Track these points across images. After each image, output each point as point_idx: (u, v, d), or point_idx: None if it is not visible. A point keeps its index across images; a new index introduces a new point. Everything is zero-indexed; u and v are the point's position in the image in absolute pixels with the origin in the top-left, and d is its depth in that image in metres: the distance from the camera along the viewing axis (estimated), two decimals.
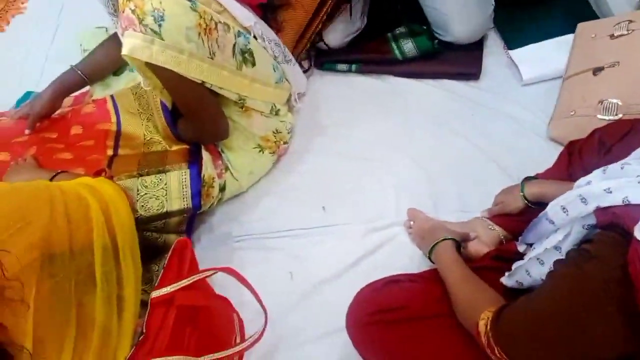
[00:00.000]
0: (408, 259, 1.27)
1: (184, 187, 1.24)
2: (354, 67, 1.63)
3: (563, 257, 0.87)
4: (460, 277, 1.04)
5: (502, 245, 1.20)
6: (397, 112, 1.56)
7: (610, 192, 0.76)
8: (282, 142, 1.46)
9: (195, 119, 1.27)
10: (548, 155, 1.28)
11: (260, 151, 1.42)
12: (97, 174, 1.09)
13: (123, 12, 1.06)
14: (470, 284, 1.01)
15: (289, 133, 1.49)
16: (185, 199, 1.24)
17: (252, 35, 1.27)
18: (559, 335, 0.75)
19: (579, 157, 1.21)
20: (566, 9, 1.62)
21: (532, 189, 1.19)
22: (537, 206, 1.16)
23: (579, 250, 0.76)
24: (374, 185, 1.42)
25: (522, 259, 1.03)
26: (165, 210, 1.21)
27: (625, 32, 1.33)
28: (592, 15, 1.60)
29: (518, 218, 1.21)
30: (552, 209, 0.89)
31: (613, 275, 0.68)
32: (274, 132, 1.43)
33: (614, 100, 1.29)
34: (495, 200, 1.28)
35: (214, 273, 0.99)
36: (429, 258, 1.17)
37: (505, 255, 1.13)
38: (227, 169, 1.39)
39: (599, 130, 1.21)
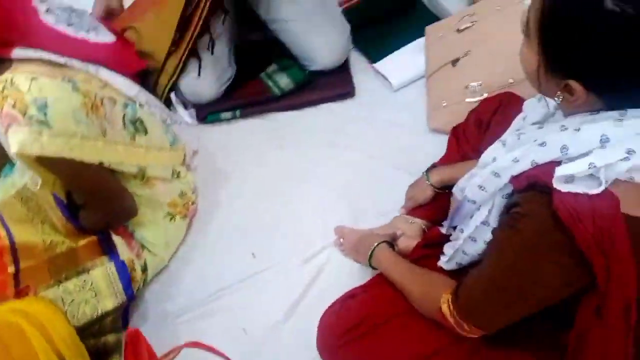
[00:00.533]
0: (349, 276, 1.30)
1: (113, 281, 1.17)
2: (237, 112, 1.65)
3: (490, 225, 0.96)
4: (406, 272, 1.10)
5: (427, 234, 1.28)
6: (291, 144, 1.61)
7: (518, 160, 0.85)
8: (190, 204, 1.44)
9: (100, 203, 1.21)
10: (438, 146, 1.41)
11: (171, 219, 1.39)
12: (20, 293, 0.99)
13: (2, 110, 0.99)
14: (418, 276, 1.08)
15: (193, 193, 1.46)
16: (118, 294, 1.17)
17: (138, 103, 1.25)
18: (517, 292, 0.83)
19: (464, 140, 1.35)
20: (411, 17, 1.79)
21: (436, 176, 1.29)
22: (445, 190, 1.28)
23: (510, 214, 0.84)
24: (293, 217, 1.45)
25: (449, 239, 1.13)
26: (99, 312, 1.13)
27: (469, 24, 1.52)
28: (434, 18, 1.77)
29: (432, 206, 1.32)
30: (471, 190, 0.97)
31: (546, 225, 0.76)
32: (179, 196, 1.40)
33: (476, 83, 1.46)
34: (406, 197, 1.38)
35: (178, 352, 0.94)
36: (370, 266, 1.22)
37: (433, 242, 1.21)
38: (143, 247, 1.34)
39: (473, 111, 1.36)
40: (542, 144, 0.81)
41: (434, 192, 1.30)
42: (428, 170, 1.32)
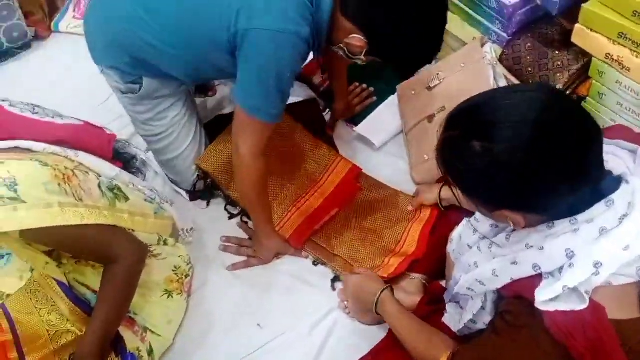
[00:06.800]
0: (357, 337, 1.32)
1: None
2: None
3: (488, 311, 1.02)
4: (410, 329, 1.15)
5: (429, 289, 1.33)
6: None
7: (497, 275, 0.92)
8: (184, 277, 1.42)
9: (109, 254, 1.18)
10: None
11: (169, 297, 1.39)
12: None
13: None
14: (422, 334, 1.13)
15: (188, 264, 1.44)
16: None
17: (120, 183, 1.27)
18: None
19: None
20: (379, 76, 1.86)
21: (448, 192, 1.38)
22: (447, 209, 1.42)
23: (503, 320, 0.89)
24: (292, 285, 1.46)
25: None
26: None
27: (439, 82, 1.61)
28: (398, 76, 1.81)
29: (428, 260, 1.38)
30: (461, 290, 1.05)
31: (542, 338, 0.81)
32: (173, 270, 1.40)
33: None
34: (416, 191, 1.54)
35: None
36: (376, 312, 1.23)
37: (435, 297, 1.26)
38: (146, 329, 1.33)
39: None
40: (514, 263, 0.88)
41: (438, 203, 1.45)
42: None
